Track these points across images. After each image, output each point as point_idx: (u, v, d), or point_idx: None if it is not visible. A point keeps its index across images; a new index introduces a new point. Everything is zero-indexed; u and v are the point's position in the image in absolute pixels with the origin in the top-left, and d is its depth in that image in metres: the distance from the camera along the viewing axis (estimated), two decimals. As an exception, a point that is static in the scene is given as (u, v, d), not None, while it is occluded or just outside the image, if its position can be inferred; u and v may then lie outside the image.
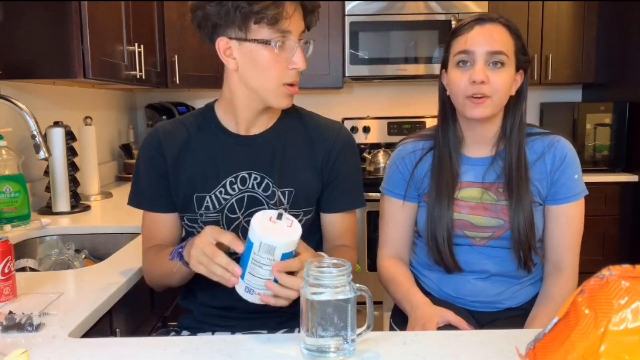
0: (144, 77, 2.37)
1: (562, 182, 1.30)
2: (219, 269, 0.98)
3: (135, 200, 1.27)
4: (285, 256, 0.95)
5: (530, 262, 1.31)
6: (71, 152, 2.17)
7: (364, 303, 0.91)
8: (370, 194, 2.76)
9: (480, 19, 1.27)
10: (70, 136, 2.15)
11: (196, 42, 2.89)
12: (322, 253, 1.11)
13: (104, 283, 1.27)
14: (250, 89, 1.15)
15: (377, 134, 3.50)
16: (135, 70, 2.27)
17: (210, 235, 0.99)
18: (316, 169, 1.23)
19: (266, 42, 1.08)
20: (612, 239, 3.08)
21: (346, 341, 0.87)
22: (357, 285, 0.88)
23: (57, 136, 2.06)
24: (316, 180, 1.23)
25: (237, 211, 1.20)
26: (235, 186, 1.19)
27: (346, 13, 3.12)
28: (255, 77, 1.13)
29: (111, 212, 2.21)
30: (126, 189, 2.46)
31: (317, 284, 0.85)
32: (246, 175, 1.19)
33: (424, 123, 3.45)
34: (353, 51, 3.15)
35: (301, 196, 1.21)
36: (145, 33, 2.54)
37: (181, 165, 1.20)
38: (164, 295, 1.29)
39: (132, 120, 3.44)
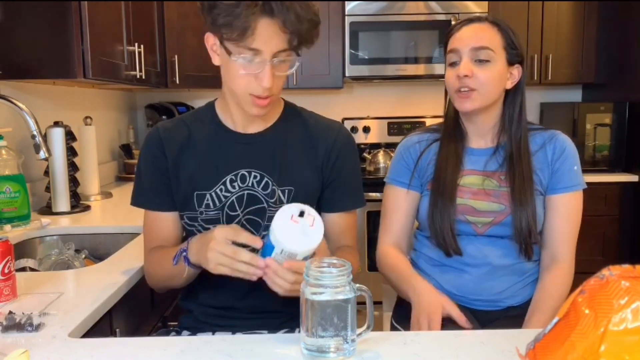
0: (144, 77, 2.37)
1: (563, 171, 1.35)
2: (244, 265, 1.00)
3: (137, 200, 1.27)
4: (307, 258, 0.97)
5: (530, 249, 1.34)
6: (71, 152, 2.17)
7: (364, 303, 0.91)
8: (371, 194, 2.76)
9: (468, 20, 1.36)
10: (70, 136, 2.15)
11: (196, 42, 2.92)
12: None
13: (104, 283, 1.27)
14: (228, 89, 1.17)
15: (377, 134, 3.50)
16: (135, 70, 2.27)
17: (224, 236, 1.01)
18: (317, 168, 1.23)
19: (230, 54, 1.07)
20: (612, 239, 3.08)
21: (346, 341, 0.87)
22: (357, 285, 0.88)
23: (57, 136, 2.06)
24: (316, 179, 1.23)
25: (237, 209, 1.20)
26: (235, 184, 1.19)
27: (346, 13, 3.12)
28: (228, 80, 1.14)
29: (111, 212, 2.21)
30: (126, 189, 2.44)
31: (317, 284, 0.85)
32: (246, 173, 1.20)
33: (424, 123, 3.45)
34: (353, 51, 3.15)
35: (301, 195, 1.21)
36: (145, 33, 2.54)
37: (182, 163, 1.21)
38: (164, 295, 1.29)
39: (132, 120, 3.44)
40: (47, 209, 2.10)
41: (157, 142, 1.22)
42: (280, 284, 0.99)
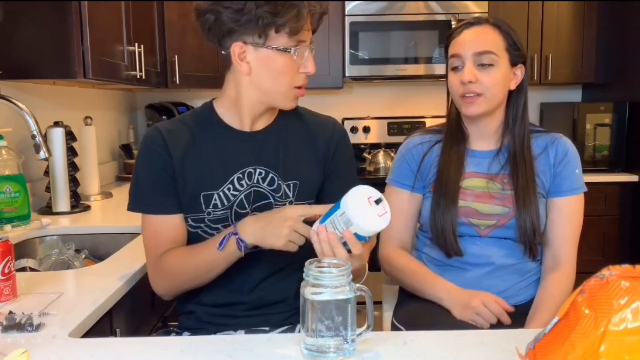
0: (144, 77, 2.37)
1: (565, 174, 1.36)
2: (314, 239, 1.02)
3: (138, 205, 1.21)
4: (358, 236, 0.97)
5: (535, 249, 1.35)
6: (71, 152, 2.17)
7: (364, 303, 0.91)
8: (370, 194, 2.75)
9: (469, 23, 1.35)
10: (70, 136, 2.15)
11: (196, 42, 2.92)
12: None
13: (104, 283, 1.27)
14: (261, 92, 1.18)
15: (377, 134, 3.50)
16: (135, 70, 2.27)
17: (299, 214, 1.05)
18: (318, 161, 1.26)
19: (285, 50, 1.12)
20: (612, 239, 3.08)
21: (346, 341, 0.87)
22: (357, 285, 0.88)
23: (57, 136, 2.06)
24: (318, 172, 1.26)
25: (247, 206, 1.21)
26: (243, 182, 1.20)
27: (346, 13, 3.12)
28: (268, 81, 1.16)
29: (111, 212, 2.21)
30: (126, 189, 2.46)
31: (317, 284, 0.86)
32: (252, 171, 1.21)
33: (424, 123, 3.45)
34: (353, 51, 3.15)
35: (305, 188, 1.24)
36: (145, 33, 2.54)
37: (187, 164, 1.19)
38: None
39: (132, 120, 3.44)
40: (47, 209, 2.10)
41: (161, 143, 1.19)
42: (327, 253, 0.99)
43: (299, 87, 1.19)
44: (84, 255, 1.74)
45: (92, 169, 2.42)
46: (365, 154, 3.31)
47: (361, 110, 3.56)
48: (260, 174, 1.21)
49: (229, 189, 1.20)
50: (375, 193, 0.97)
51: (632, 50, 3.01)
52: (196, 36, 2.90)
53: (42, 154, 1.58)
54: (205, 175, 1.19)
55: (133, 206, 1.22)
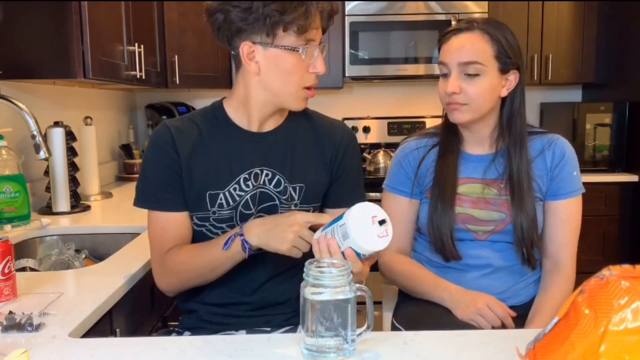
0: (144, 77, 2.37)
1: (562, 177, 1.34)
2: (315, 247, 1.02)
3: (145, 201, 1.21)
4: (358, 255, 0.97)
5: (533, 258, 1.34)
6: (71, 152, 2.17)
7: (364, 303, 0.91)
8: (370, 193, 2.76)
9: (457, 29, 1.32)
10: (70, 136, 2.15)
11: (196, 42, 2.92)
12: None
13: (104, 283, 1.27)
14: (270, 92, 1.17)
15: (377, 134, 3.50)
16: (135, 70, 2.27)
17: (306, 220, 1.05)
18: (325, 165, 1.26)
19: (293, 49, 1.11)
20: (612, 239, 3.08)
21: (346, 341, 0.87)
22: (357, 285, 0.88)
23: (57, 136, 2.06)
24: (325, 175, 1.26)
25: (252, 207, 1.21)
26: (249, 182, 1.20)
27: (346, 13, 3.12)
28: (277, 81, 1.15)
29: (111, 212, 2.21)
30: (126, 189, 2.43)
31: (317, 284, 0.85)
32: (258, 172, 1.21)
33: (424, 123, 3.45)
34: (353, 51, 3.15)
35: (311, 192, 1.24)
36: (145, 33, 2.54)
37: (194, 162, 1.19)
38: (164, 295, 1.29)
39: (132, 120, 3.43)
40: (47, 209, 2.10)
41: (169, 140, 1.19)
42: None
43: (309, 88, 1.17)
44: (84, 255, 1.74)
45: (92, 169, 2.42)
46: (365, 154, 3.31)
47: (361, 110, 3.56)
48: (267, 175, 1.21)
49: (234, 189, 1.19)
50: (381, 213, 0.96)
51: (632, 50, 3.01)
52: (196, 36, 2.91)
53: (42, 154, 1.58)
54: (211, 174, 1.19)
55: (139, 202, 1.23)
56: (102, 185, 2.61)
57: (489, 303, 1.25)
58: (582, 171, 1.39)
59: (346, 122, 3.43)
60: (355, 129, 3.47)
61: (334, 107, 3.53)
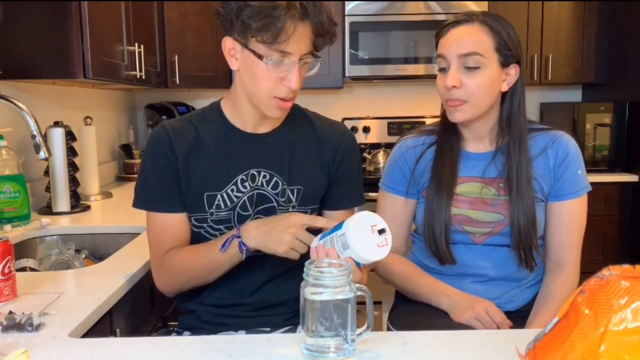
0: (144, 77, 2.37)
1: (566, 177, 1.30)
2: (313, 250, 1.03)
3: (144, 203, 1.22)
4: (357, 264, 0.97)
5: (531, 260, 1.30)
6: (71, 152, 2.17)
7: (364, 303, 0.91)
8: (370, 193, 2.75)
9: (456, 22, 1.28)
10: (70, 136, 2.15)
11: (196, 42, 2.92)
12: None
13: (104, 283, 1.27)
14: (247, 93, 1.17)
15: (377, 134, 3.50)
16: (135, 70, 2.27)
17: (302, 222, 1.05)
18: (324, 167, 1.25)
19: (260, 57, 1.08)
20: (612, 239, 3.08)
21: (346, 341, 0.87)
22: (357, 285, 0.88)
23: (57, 136, 2.06)
24: (323, 178, 1.25)
25: (249, 208, 1.20)
26: (246, 184, 1.20)
27: (346, 13, 3.12)
28: (250, 84, 1.14)
29: (111, 212, 2.21)
30: (126, 189, 2.43)
31: (317, 284, 0.85)
32: (255, 173, 1.20)
33: (424, 123, 3.44)
34: (353, 51, 3.15)
35: (309, 194, 1.23)
36: (145, 33, 2.54)
37: (191, 163, 1.19)
38: (164, 296, 1.29)
39: (132, 120, 3.43)
40: (47, 209, 2.10)
41: (167, 141, 1.19)
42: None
43: (282, 99, 1.13)
44: (84, 255, 1.74)
45: (92, 169, 2.42)
46: (365, 154, 3.31)
47: (361, 110, 3.56)
48: (264, 177, 1.20)
49: (232, 190, 1.19)
50: (380, 222, 0.96)
51: (632, 50, 3.01)
52: (196, 36, 2.91)
53: (42, 154, 1.58)
54: (209, 175, 1.19)
55: (138, 203, 1.23)
56: (102, 185, 2.61)
57: (488, 309, 1.24)
58: (583, 171, 1.36)
59: (346, 122, 3.44)
60: (355, 129, 3.47)
61: (334, 107, 3.53)
